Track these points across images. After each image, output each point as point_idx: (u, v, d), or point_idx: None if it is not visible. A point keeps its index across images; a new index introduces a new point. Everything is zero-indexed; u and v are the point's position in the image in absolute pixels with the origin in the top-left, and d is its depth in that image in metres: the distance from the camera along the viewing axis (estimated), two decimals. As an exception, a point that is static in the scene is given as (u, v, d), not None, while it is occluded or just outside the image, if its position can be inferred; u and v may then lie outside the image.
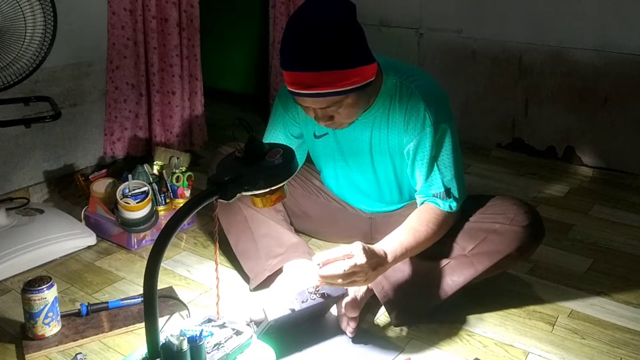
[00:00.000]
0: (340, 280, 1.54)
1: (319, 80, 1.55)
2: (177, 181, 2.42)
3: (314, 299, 1.65)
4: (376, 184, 2.00)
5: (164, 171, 2.44)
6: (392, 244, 1.67)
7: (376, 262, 1.58)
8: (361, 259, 1.53)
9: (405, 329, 1.78)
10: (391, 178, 1.95)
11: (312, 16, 1.57)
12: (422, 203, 1.80)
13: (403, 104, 1.76)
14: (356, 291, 1.76)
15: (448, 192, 1.76)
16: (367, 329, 1.78)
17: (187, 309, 1.85)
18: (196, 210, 1.32)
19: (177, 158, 2.58)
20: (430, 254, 1.80)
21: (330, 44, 1.54)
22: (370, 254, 1.57)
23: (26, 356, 1.65)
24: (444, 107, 1.78)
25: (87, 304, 1.81)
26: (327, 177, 2.12)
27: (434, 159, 1.75)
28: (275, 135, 1.97)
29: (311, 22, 1.56)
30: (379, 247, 1.65)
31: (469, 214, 1.87)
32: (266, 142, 1.92)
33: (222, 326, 1.53)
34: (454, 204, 1.77)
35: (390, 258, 1.64)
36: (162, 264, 1.29)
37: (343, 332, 1.73)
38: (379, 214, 2.11)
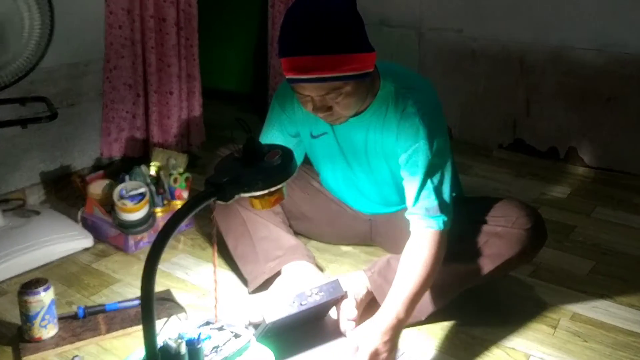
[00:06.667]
0: None
1: (318, 63, 1.54)
2: (174, 182, 2.41)
3: (313, 301, 1.64)
4: (376, 185, 1.99)
5: (162, 172, 2.44)
6: (397, 298, 1.62)
7: (383, 330, 1.56)
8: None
9: (405, 331, 1.76)
10: (389, 180, 1.94)
11: (311, 3, 1.57)
12: (414, 227, 1.73)
13: (398, 113, 1.73)
14: (356, 293, 1.76)
15: (440, 207, 1.69)
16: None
17: (185, 312, 1.85)
18: (194, 212, 1.31)
19: (175, 159, 2.57)
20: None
21: (330, 28, 1.53)
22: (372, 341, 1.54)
23: (23, 359, 1.65)
24: (439, 121, 1.76)
25: (84, 307, 1.81)
26: (327, 178, 2.11)
27: (427, 172, 1.70)
28: (271, 133, 1.95)
29: (311, 8, 1.56)
30: (386, 309, 1.60)
31: (471, 216, 1.86)
32: (262, 141, 1.90)
33: (221, 329, 1.52)
34: (446, 220, 1.69)
35: (402, 314, 1.59)
36: (159, 266, 1.28)
37: (342, 335, 1.72)
38: (379, 215, 2.10)
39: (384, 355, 1.54)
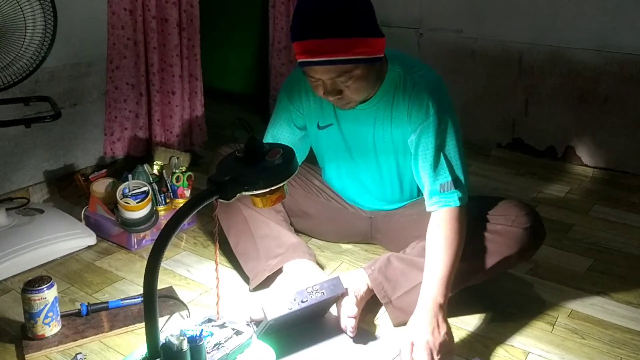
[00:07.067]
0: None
1: (330, 46, 1.57)
2: (177, 181, 2.42)
3: (314, 299, 1.65)
4: (379, 179, 2.00)
5: (164, 171, 2.44)
6: (431, 285, 1.64)
7: (430, 322, 1.58)
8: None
9: (404, 328, 1.77)
10: (393, 174, 1.96)
11: None
12: (432, 207, 1.75)
13: (407, 94, 1.77)
14: (356, 291, 1.76)
15: (455, 182, 1.73)
16: (367, 328, 1.78)
17: (187, 309, 1.85)
18: (196, 210, 1.32)
19: (177, 158, 2.59)
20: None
21: (340, 12, 1.57)
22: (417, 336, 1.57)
23: (26, 356, 1.65)
24: (447, 99, 1.79)
25: (87, 304, 1.81)
26: (330, 172, 2.13)
27: (439, 148, 1.74)
28: (279, 125, 1.97)
29: None
30: (422, 300, 1.62)
31: (470, 214, 1.87)
32: (270, 132, 1.96)
33: (222, 326, 1.53)
34: (461, 195, 1.73)
35: (440, 298, 1.61)
36: (162, 264, 1.29)
37: (343, 332, 1.73)
38: (379, 212, 2.11)
39: (439, 340, 1.55)
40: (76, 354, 1.64)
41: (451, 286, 1.66)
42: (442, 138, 1.74)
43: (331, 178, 2.15)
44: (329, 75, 1.63)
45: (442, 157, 1.74)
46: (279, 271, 1.91)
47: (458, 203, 1.72)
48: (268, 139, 1.98)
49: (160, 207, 2.36)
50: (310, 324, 1.76)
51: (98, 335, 1.73)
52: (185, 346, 1.32)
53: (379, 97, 1.80)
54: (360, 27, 1.59)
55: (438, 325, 1.57)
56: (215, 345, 1.46)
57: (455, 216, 1.71)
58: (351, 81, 1.65)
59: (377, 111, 1.82)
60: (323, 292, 1.67)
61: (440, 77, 1.84)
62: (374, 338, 1.74)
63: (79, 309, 1.81)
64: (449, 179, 1.73)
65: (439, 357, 1.53)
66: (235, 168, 1.36)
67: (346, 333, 1.72)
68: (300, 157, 2.03)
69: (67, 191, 2.67)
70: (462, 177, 1.75)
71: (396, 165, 1.93)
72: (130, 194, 2.24)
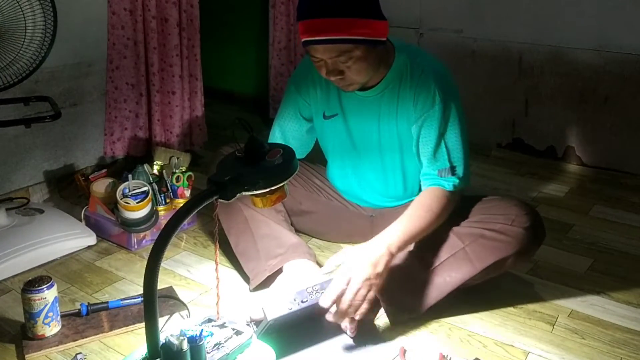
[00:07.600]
0: (352, 303, 1.59)
1: (331, 25, 1.62)
2: (177, 181, 2.42)
3: (314, 299, 1.64)
4: (383, 175, 2.02)
5: (164, 171, 2.44)
6: (393, 232, 1.69)
7: (374, 261, 1.61)
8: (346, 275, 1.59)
9: (405, 328, 1.78)
10: (397, 170, 1.98)
11: None
12: (426, 186, 1.82)
13: (414, 81, 1.81)
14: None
15: (453, 170, 1.79)
16: (367, 328, 1.78)
17: (187, 309, 1.85)
18: (196, 210, 1.32)
19: (177, 158, 2.59)
20: (429, 250, 1.81)
21: None
22: (359, 261, 1.61)
23: (26, 356, 1.65)
24: (453, 87, 1.84)
25: (87, 304, 1.81)
26: (334, 166, 2.14)
27: (441, 135, 1.79)
28: (286, 115, 2.02)
29: None
30: (379, 240, 1.67)
31: (470, 213, 1.88)
32: (277, 123, 2.01)
33: (222, 326, 1.53)
34: (457, 182, 1.79)
35: (394, 248, 1.65)
36: (162, 264, 1.29)
37: (343, 332, 1.72)
38: (381, 210, 2.11)
39: (374, 281, 1.60)
40: (76, 354, 1.64)
41: (408, 244, 1.72)
42: (445, 126, 1.79)
43: (335, 173, 2.16)
44: (329, 54, 1.67)
45: (442, 144, 1.79)
46: (279, 271, 1.91)
47: (451, 188, 1.78)
48: (275, 129, 2.03)
49: (160, 207, 2.36)
50: (311, 323, 1.75)
51: (98, 335, 1.73)
52: (185, 346, 1.31)
53: (385, 84, 1.83)
54: (360, 8, 1.63)
55: (381, 270, 1.61)
56: (215, 345, 1.46)
57: (443, 195, 1.77)
58: (351, 62, 1.69)
59: (382, 101, 1.84)
60: (323, 292, 1.67)
61: (446, 67, 1.88)
62: (374, 338, 1.74)
63: (79, 309, 1.80)
64: (447, 165, 1.79)
65: (363, 293, 1.58)
66: (235, 168, 1.37)
67: (346, 333, 1.72)
68: (305, 149, 2.10)
69: (67, 191, 2.67)
70: (460, 165, 1.80)
71: (400, 161, 1.95)
72: (130, 194, 2.24)
